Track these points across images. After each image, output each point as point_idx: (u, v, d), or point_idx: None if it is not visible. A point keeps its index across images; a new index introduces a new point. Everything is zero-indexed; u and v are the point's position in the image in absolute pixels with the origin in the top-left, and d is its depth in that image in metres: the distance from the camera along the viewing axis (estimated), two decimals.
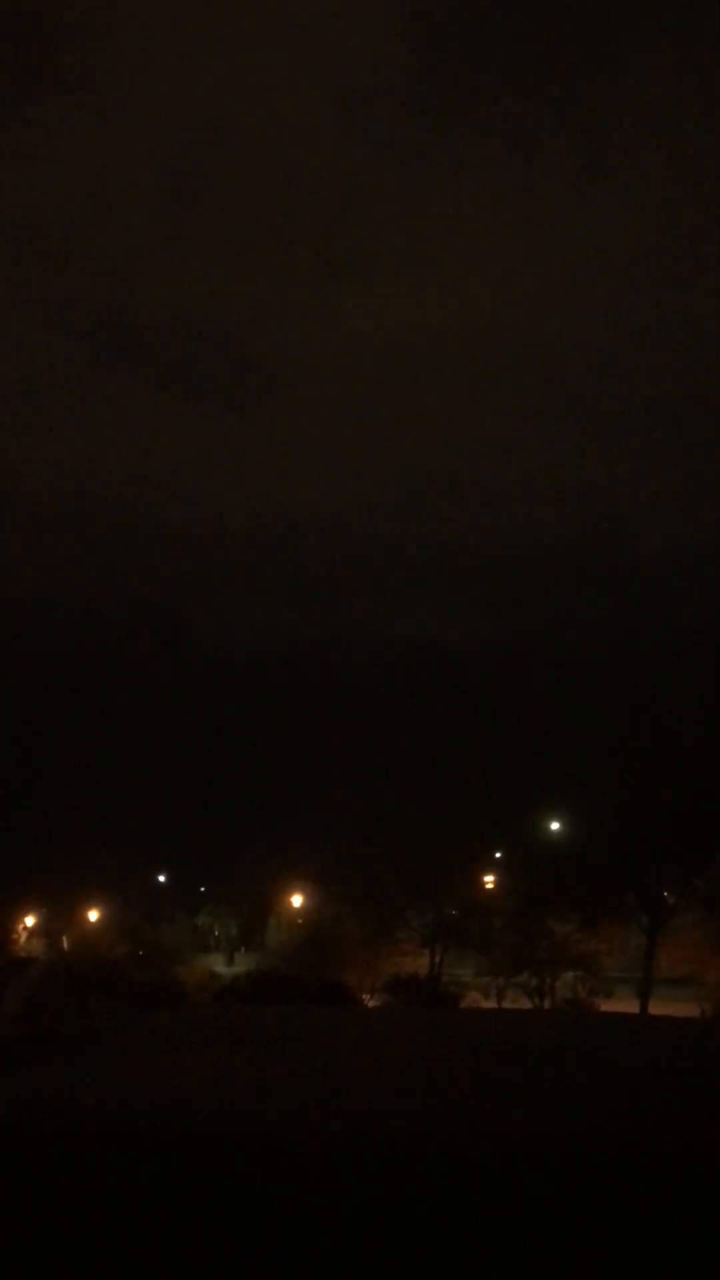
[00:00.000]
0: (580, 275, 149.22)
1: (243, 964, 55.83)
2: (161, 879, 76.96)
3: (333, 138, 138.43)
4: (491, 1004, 42.51)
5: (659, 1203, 10.75)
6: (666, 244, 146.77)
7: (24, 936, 57.86)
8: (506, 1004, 42.38)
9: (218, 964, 58.79)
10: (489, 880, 46.41)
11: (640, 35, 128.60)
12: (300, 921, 55.62)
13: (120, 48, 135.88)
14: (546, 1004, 41.17)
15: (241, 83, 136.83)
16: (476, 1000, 42.76)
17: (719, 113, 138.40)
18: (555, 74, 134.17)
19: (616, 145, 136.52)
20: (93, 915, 59.72)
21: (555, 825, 46.36)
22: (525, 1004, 41.73)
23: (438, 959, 43.59)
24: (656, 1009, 37.10)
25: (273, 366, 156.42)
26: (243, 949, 67.71)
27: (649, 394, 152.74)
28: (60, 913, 60.64)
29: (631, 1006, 37.71)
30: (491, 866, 46.70)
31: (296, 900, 59.50)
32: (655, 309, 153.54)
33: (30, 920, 61.01)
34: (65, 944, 57.24)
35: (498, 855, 47.06)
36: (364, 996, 41.17)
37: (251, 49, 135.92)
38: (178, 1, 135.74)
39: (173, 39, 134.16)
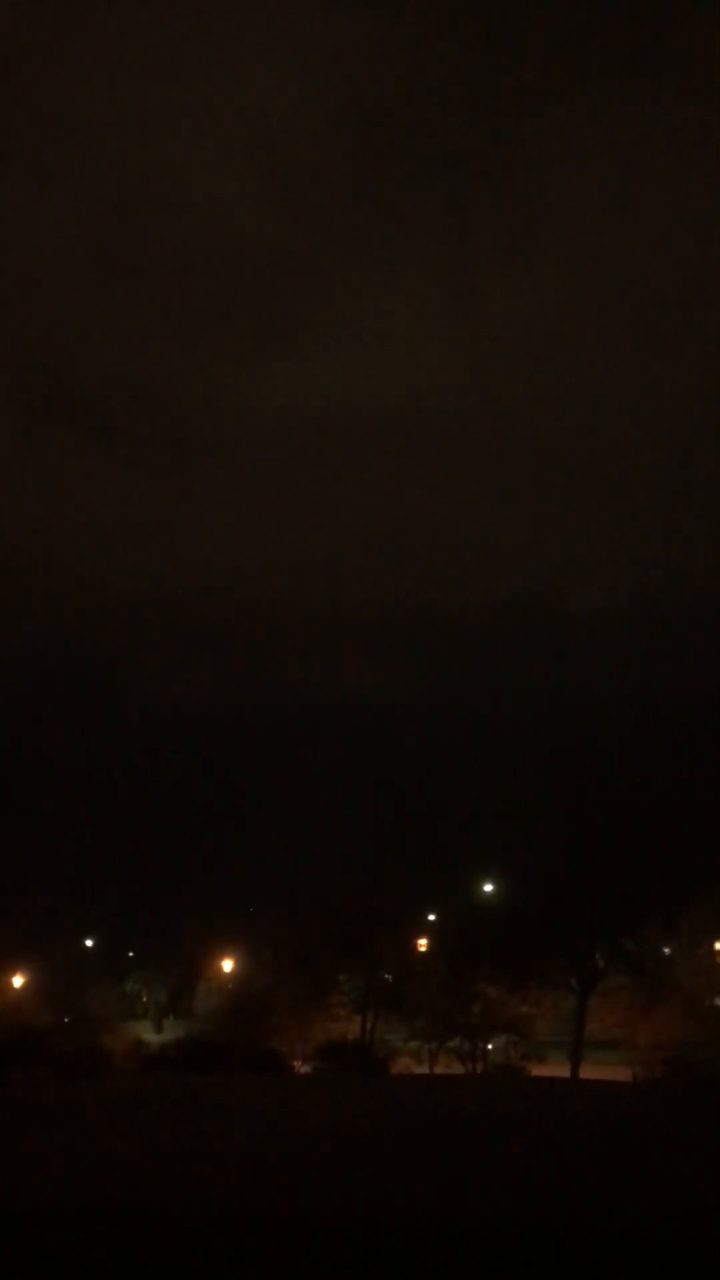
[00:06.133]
0: (509, 347, 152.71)
1: (172, 1031, 54.73)
2: (89, 943, 75.41)
3: (268, 212, 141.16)
4: (424, 1069, 42.09)
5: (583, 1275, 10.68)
6: (593, 318, 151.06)
7: None
8: (439, 1069, 41.98)
9: (146, 1031, 57.56)
10: (421, 943, 46.14)
11: (570, 114, 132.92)
12: (230, 987, 54.75)
13: (59, 118, 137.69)
14: (478, 1069, 40.85)
15: (179, 156, 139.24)
16: (408, 1065, 42.32)
17: (646, 189, 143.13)
18: (487, 152, 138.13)
19: (547, 221, 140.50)
20: (16, 981, 58.22)
21: (487, 887, 46.31)
22: (457, 1069, 41.38)
23: (369, 1025, 43.11)
24: (588, 1072, 36.96)
25: (208, 432, 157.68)
26: (172, 1015, 66.45)
27: (577, 460, 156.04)
28: None
29: (564, 1070, 37.54)
30: (424, 929, 46.43)
31: (227, 965, 58.60)
32: (583, 381, 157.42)
33: None
34: None
35: (430, 918, 46.82)
36: (295, 1063, 40.57)
37: (190, 124, 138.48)
38: (117, 74, 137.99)
39: (112, 111, 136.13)
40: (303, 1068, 40.38)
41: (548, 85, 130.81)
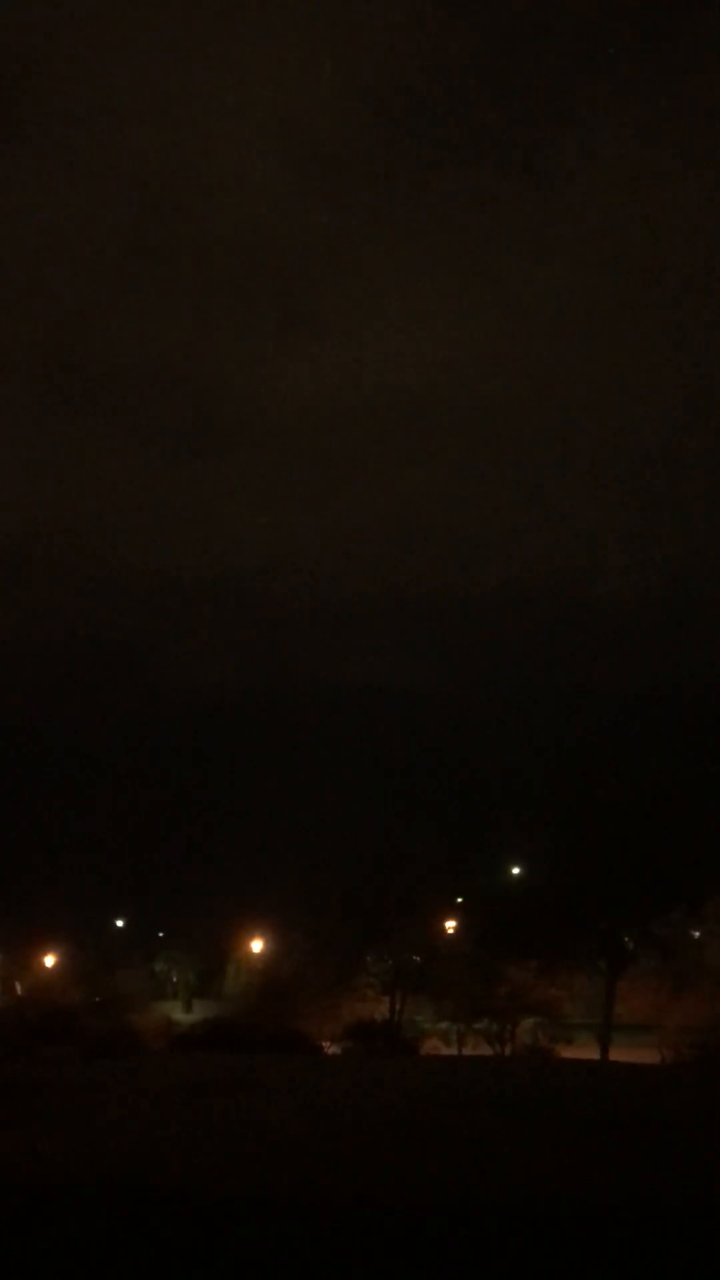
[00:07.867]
0: (535, 331, 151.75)
1: (201, 1011, 55.06)
2: (119, 924, 75.96)
3: (292, 196, 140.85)
4: (452, 1050, 42.16)
5: (606, 1256, 10.66)
6: (620, 302, 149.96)
7: None
8: (467, 1050, 42.03)
9: (175, 1011, 57.94)
10: (450, 925, 46.16)
11: (597, 96, 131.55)
12: (259, 968, 55.01)
13: (83, 102, 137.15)
14: (507, 1050, 40.87)
15: (203, 140, 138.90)
16: (437, 1047, 42.39)
17: (674, 173, 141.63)
18: (512, 135, 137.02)
19: (573, 205, 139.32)
20: (48, 961, 58.77)
21: (515, 870, 46.22)
22: (486, 1050, 41.40)
23: (397, 1006, 43.20)
24: (618, 1055, 36.89)
25: (231, 417, 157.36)
26: (201, 996, 66.82)
27: (600, 444, 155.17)
28: (14, 959, 59.64)
29: (593, 1053, 37.49)
30: (452, 911, 46.44)
31: (256, 946, 58.89)
32: (609, 365, 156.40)
33: None
34: (19, 990, 56.36)
35: (459, 900, 46.82)
36: (323, 1044, 40.71)
37: (215, 109, 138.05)
38: (141, 59, 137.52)
39: (136, 95, 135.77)
40: (331, 1048, 40.51)
41: (575, 68, 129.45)
